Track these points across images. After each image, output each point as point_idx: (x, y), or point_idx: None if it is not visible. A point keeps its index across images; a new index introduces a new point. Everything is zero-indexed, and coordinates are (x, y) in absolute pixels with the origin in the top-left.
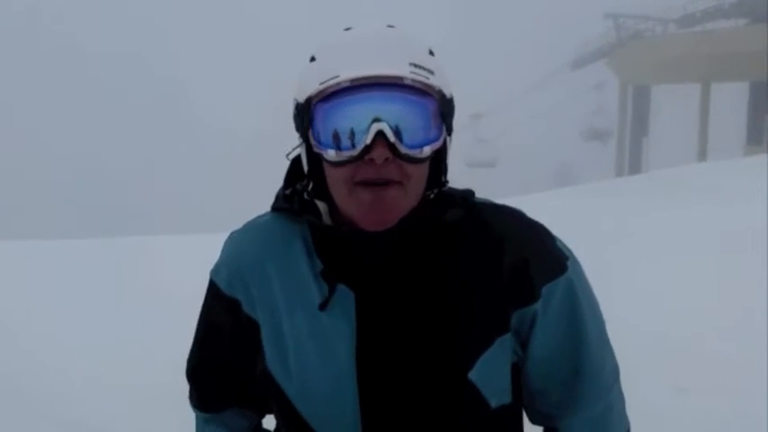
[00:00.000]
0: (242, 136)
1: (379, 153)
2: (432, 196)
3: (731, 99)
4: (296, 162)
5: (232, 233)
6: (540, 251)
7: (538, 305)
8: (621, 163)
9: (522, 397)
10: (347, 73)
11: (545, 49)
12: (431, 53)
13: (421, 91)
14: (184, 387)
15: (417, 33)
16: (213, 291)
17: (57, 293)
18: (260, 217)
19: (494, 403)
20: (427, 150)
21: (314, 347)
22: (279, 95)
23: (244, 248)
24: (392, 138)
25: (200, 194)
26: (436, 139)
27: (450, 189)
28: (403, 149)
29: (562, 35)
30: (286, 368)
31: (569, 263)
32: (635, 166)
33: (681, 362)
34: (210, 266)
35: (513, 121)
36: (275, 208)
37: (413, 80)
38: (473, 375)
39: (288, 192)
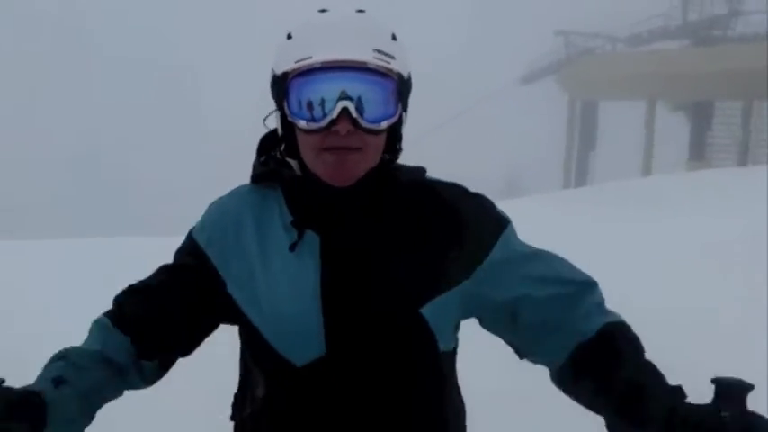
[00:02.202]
0: (247, 138)
1: (343, 126)
2: (388, 159)
3: (674, 116)
4: (265, 138)
5: (216, 199)
6: (486, 213)
7: (489, 258)
8: (568, 176)
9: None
10: (319, 55)
11: (496, 64)
12: (393, 38)
13: (382, 74)
14: (183, 384)
15: (382, 19)
16: (191, 246)
17: (56, 293)
18: (242, 186)
19: (442, 347)
20: (384, 125)
21: (284, 282)
22: None
23: (226, 209)
24: (354, 114)
25: (203, 195)
26: (393, 115)
27: (404, 164)
28: (364, 124)
29: (513, 51)
30: (256, 303)
31: (510, 223)
32: (581, 180)
33: None
34: None
35: (462, 132)
36: (253, 178)
37: (375, 65)
38: (426, 311)
39: (262, 159)
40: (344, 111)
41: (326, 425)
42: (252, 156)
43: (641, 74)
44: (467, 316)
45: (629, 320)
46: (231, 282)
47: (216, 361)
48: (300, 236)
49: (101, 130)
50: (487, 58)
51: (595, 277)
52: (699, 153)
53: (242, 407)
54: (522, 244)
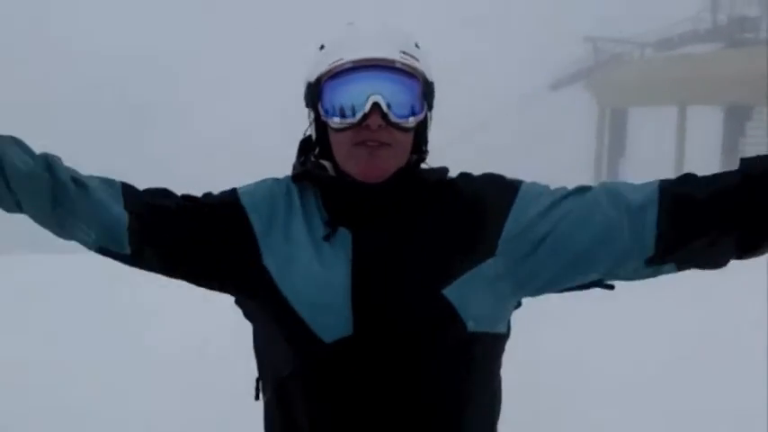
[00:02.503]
0: (244, 148)
1: (374, 120)
2: (415, 160)
3: (707, 122)
4: (302, 142)
5: (268, 178)
6: (495, 187)
7: (507, 229)
8: (599, 183)
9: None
10: (350, 56)
11: (524, 71)
12: (417, 46)
13: (408, 73)
14: (180, 384)
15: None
16: (232, 200)
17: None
18: (283, 179)
19: (470, 326)
20: (412, 120)
21: (319, 268)
22: (288, 110)
23: (277, 191)
24: (385, 108)
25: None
26: (420, 112)
27: (430, 167)
28: (393, 118)
29: (542, 57)
30: (292, 281)
31: (522, 183)
32: None
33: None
34: None
35: (491, 139)
36: (294, 177)
37: (402, 63)
38: (449, 293)
39: (301, 160)
40: (375, 105)
41: (352, 400)
42: (254, 168)
43: (671, 79)
44: (522, 292)
45: (660, 341)
46: (268, 254)
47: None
48: (334, 231)
49: (99, 134)
50: (516, 65)
51: (625, 289)
52: (732, 160)
53: (265, 388)
54: (542, 198)
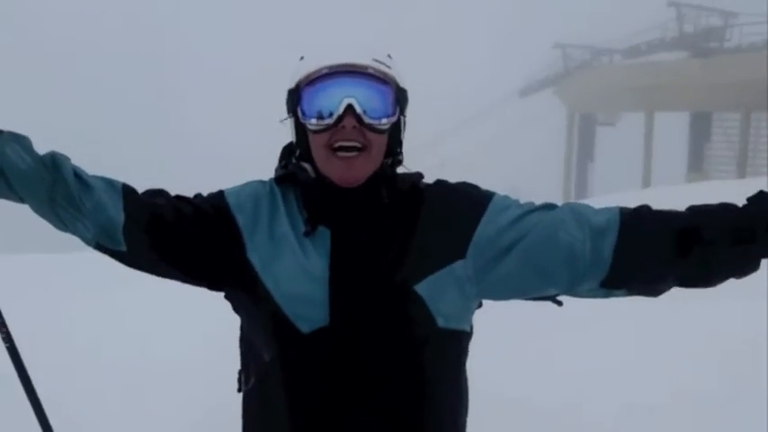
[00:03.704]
0: (235, 151)
1: (349, 122)
2: (390, 163)
3: (673, 128)
4: (285, 148)
5: (253, 180)
6: (469, 196)
7: (477, 235)
8: (568, 188)
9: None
10: (326, 62)
11: (494, 77)
12: (389, 56)
13: (381, 79)
14: (177, 386)
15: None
16: (218, 202)
17: (54, 304)
18: (267, 181)
19: (440, 322)
20: (385, 122)
21: (299, 264)
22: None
23: (261, 192)
24: (359, 110)
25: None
26: (393, 115)
27: (405, 171)
28: (367, 120)
29: (511, 63)
30: (273, 274)
31: (494, 195)
32: (581, 191)
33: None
34: None
35: (460, 145)
36: (276, 180)
37: (375, 69)
38: (420, 289)
39: (283, 164)
40: (349, 108)
41: (326, 388)
42: (241, 168)
43: (639, 86)
44: (483, 295)
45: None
46: (252, 249)
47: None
48: (314, 229)
49: (94, 134)
50: (485, 71)
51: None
52: (698, 165)
53: (247, 379)
54: (511, 209)
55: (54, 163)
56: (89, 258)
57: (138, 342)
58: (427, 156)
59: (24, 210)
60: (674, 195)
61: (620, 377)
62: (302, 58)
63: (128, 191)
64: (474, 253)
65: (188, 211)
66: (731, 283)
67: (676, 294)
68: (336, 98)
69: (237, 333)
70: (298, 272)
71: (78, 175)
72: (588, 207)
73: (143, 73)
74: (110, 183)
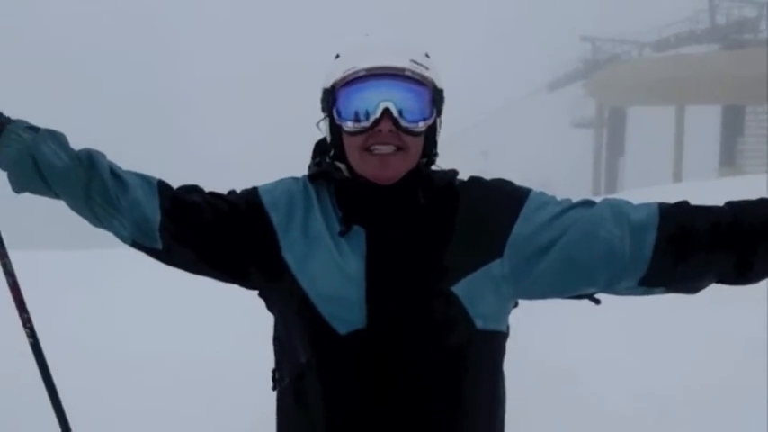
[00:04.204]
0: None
1: (385, 125)
2: (425, 163)
3: (705, 122)
4: (317, 145)
5: (286, 177)
6: (504, 193)
7: (514, 234)
8: (598, 182)
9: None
10: (363, 65)
11: (522, 71)
12: (427, 55)
13: (418, 81)
14: (172, 386)
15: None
16: (252, 199)
17: (48, 303)
18: (300, 178)
19: (479, 324)
20: (422, 125)
21: (335, 263)
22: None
23: (295, 189)
24: (395, 113)
25: None
26: (429, 118)
27: (441, 169)
28: (403, 123)
29: (540, 57)
30: (309, 273)
31: (531, 191)
32: (611, 186)
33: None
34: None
35: (489, 138)
36: (310, 177)
37: (412, 72)
38: (457, 289)
39: (316, 161)
40: (386, 111)
41: (364, 389)
42: (236, 174)
43: (670, 79)
44: (519, 294)
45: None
46: (287, 248)
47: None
48: (349, 228)
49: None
50: (514, 64)
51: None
52: (730, 159)
53: (281, 378)
54: (548, 207)
55: (90, 161)
56: (90, 255)
57: (163, 340)
58: (452, 152)
59: (24, 206)
60: (706, 190)
61: (635, 368)
62: (338, 56)
63: (163, 188)
64: (511, 252)
65: (223, 208)
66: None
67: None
68: (373, 101)
69: (256, 330)
70: (333, 271)
71: (114, 172)
72: (627, 203)
73: (142, 74)
74: (146, 179)
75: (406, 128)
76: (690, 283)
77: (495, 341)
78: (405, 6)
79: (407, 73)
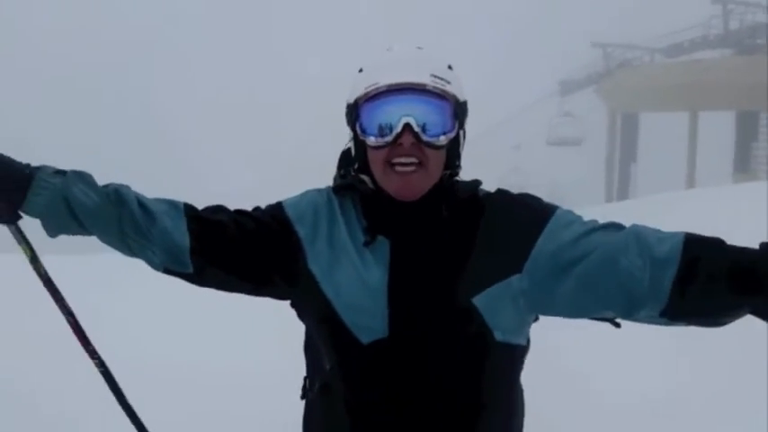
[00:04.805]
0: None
1: (407, 139)
2: (448, 175)
3: (718, 127)
4: (342, 157)
5: (310, 189)
6: (530, 209)
7: (536, 251)
8: (611, 188)
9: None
10: (385, 80)
11: (534, 76)
12: (449, 68)
13: (439, 95)
14: (168, 386)
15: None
16: (278, 214)
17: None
18: (323, 189)
19: (498, 336)
20: (443, 139)
21: (359, 274)
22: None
23: (319, 201)
24: (416, 128)
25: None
26: (451, 131)
27: (462, 179)
28: (425, 138)
29: (552, 62)
30: (335, 283)
31: (557, 209)
32: (623, 192)
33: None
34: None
35: (500, 146)
36: (335, 189)
37: (433, 87)
38: (478, 302)
39: (342, 173)
40: (407, 126)
41: (386, 397)
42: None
43: (682, 84)
44: (537, 310)
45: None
46: (313, 259)
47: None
48: (373, 239)
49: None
50: (526, 70)
51: None
52: (744, 165)
53: (311, 386)
54: (573, 226)
55: (118, 196)
56: (100, 259)
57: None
58: (464, 157)
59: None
60: (720, 196)
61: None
62: (361, 70)
63: (190, 212)
64: (531, 267)
65: (250, 226)
66: None
67: None
68: (395, 116)
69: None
70: (357, 282)
71: (142, 203)
72: (654, 233)
73: (134, 87)
74: (172, 205)
75: (428, 142)
76: (712, 319)
77: (514, 354)
78: (414, 12)
79: (428, 88)
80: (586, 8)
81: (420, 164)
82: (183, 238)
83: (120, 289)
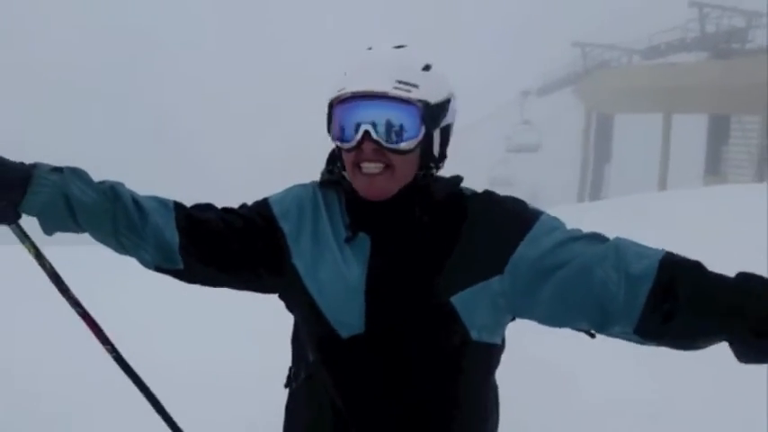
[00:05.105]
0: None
1: (367, 146)
2: (422, 175)
3: (691, 130)
4: (331, 153)
5: (295, 185)
6: (513, 213)
7: (517, 255)
8: (583, 189)
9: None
10: (350, 87)
11: (512, 75)
12: (426, 68)
13: (404, 101)
14: (166, 386)
15: (420, 51)
16: (264, 210)
17: (38, 296)
18: (309, 183)
19: (474, 335)
20: (404, 146)
21: (339, 268)
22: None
23: (304, 196)
24: (375, 136)
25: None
26: (414, 137)
27: (442, 176)
28: (386, 144)
29: (529, 61)
30: (317, 278)
31: (542, 214)
32: (596, 193)
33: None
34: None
35: (477, 142)
36: (321, 183)
37: (395, 94)
38: (456, 301)
39: (329, 168)
40: (367, 133)
41: (363, 390)
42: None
43: (658, 86)
44: (515, 313)
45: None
46: (297, 255)
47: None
48: (355, 236)
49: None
50: (504, 68)
51: None
52: (715, 167)
53: (296, 376)
54: (556, 233)
55: (114, 193)
56: (91, 251)
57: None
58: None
59: None
60: (691, 198)
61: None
62: (345, 73)
63: (179, 209)
64: (512, 270)
65: (238, 224)
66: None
67: None
68: (355, 123)
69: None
70: (338, 277)
71: (136, 200)
72: (635, 248)
73: (130, 84)
74: (162, 203)
75: (389, 148)
76: (684, 342)
77: (489, 353)
78: (403, 12)
79: (391, 95)
80: (568, 8)
81: (387, 166)
82: (173, 235)
83: (114, 283)
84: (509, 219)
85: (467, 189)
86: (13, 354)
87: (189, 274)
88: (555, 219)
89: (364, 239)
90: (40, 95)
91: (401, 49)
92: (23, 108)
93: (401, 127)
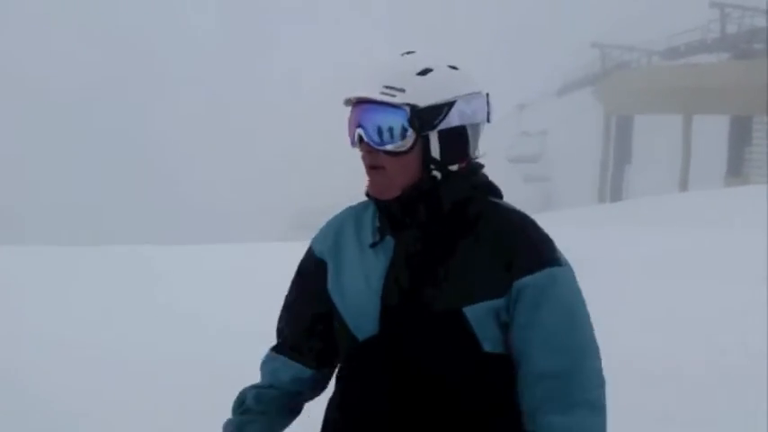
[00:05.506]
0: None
1: (363, 148)
2: (426, 177)
3: (712, 131)
4: None
5: (345, 209)
6: (537, 250)
7: (520, 284)
8: (604, 190)
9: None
10: (346, 94)
11: (531, 75)
12: (424, 72)
13: (392, 105)
14: (166, 386)
15: (424, 57)
16: (309, 254)
17: (51, 298)
18: (360, 203)
19: (486, 347)
20: (390, 147)
21: (362, 273)
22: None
23: (334, 219)
24: (365, 139)
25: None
26: (400, 139)
27: (460, 176)
28: (374, 147)
29: (549, 62)
30: (341, 290)
31: (555, 266)
32: (616, 193)
33: (666, 391)
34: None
35: (497, 144)
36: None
37: (381, 99)
38: (468, 312)
39: None
40: (360, 136)
41: (377, 392)
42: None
43: (678, 87)
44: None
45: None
46: (330, 276)
47: None
48: (382, 239)
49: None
50: (524, 69)
51: (630, 295)
52: (737, 168)
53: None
54: (555, 310)
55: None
56: (96, 251)
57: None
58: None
59: (30, 201)
60: (712, 199)
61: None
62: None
63: (284, 351)
64: (513, 294)
65: (314, 307)
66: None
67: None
68: (353, 128)
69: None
70: (360, 281)
71: (265, 394)
72: (553, 404)
73: (120, 111)
74: (266, 362)
75: (377, 150)
76: None
77: (504, 365)
78: (413, 12)
79: (377, 100)
80: (588, 9)
81: (382, 168)
82: (303, 371)
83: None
84: (526, 250)
85: (499, 203)
86: (17, 354)
87: (319, 369)
88: (569, 280)
89: (389, 242)
90: (20, 115)
91: (406, 56)
92: (12, 120)
93: (389, 130)
